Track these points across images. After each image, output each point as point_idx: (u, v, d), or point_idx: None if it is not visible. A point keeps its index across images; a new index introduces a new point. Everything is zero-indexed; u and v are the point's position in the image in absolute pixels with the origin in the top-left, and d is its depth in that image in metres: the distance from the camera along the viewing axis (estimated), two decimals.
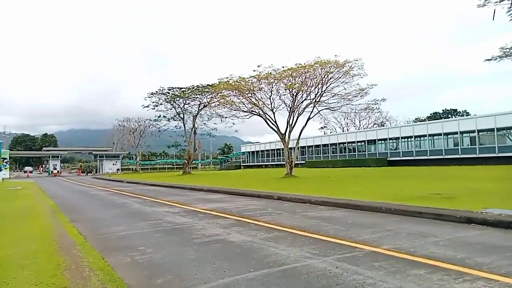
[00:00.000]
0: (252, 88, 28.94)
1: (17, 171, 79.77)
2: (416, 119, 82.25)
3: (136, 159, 75.98)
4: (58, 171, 68.27)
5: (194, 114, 48.27)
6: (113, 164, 73.00)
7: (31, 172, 70.86)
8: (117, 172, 69.30)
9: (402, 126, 51.62)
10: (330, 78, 26.96)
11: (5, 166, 28.67)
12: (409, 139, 46.20)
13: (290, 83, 27.37)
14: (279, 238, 6.55)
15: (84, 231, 7.89)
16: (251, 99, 29.59)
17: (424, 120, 71.96)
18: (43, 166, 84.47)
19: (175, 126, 51.87)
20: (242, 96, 29.84)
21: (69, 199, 17.38)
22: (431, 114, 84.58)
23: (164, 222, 8.98)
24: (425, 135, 44.09)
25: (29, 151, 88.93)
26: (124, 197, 17.22)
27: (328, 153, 58.12)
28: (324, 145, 59.44)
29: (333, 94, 28.11)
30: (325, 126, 77.95)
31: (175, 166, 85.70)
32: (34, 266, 5.11)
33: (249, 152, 79.63)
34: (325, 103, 28.90)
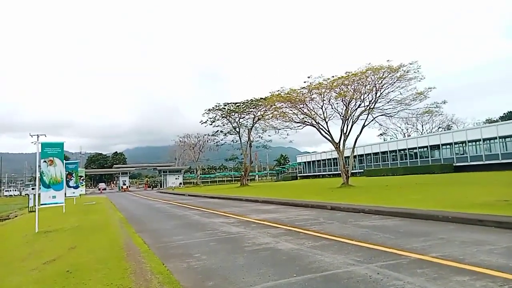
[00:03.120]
0: (303, 98, 29.13)
1: (91, 188, 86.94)
2: (486, 120, 75.98)
3: (196, 173, 79.33)
4: (127, 186, 73.53)
5: (249, 128, 49.48)
6: (176, 179, 76.90)
7: (104, 189, 76.98)
8: (180, 186, 72.81)
9: (469, 129, 48.02)
10: (384, 84, 26.26)
11: (82, 183, 31.73)
12: (477, 143, 42.86)
13: (342, 91, 27.13)
14: (325, 246, 6.72)
15: (148, 240, 8.70)
16: (303, 110, 29.76)
17: (496, 121, 66.20)
18: (114, 182, 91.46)
19: (232, 140, 53.54)
20: (294, 107, 30.12)
21: (136, 212, 18.85)
22: (505, 113, 77.55)
23: (219, 232, 9.54)
24: (495, 138, 40.67)
25: (101, 169, 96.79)
26: (185, 209, 18.27)
27: (387, 161, 55.85)
28: (383, 153, 57.22)
29: (389, 100, 27.29)
30: (384, 133, 75.06)
31: (233, 179, 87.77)
32: (106, 270, 5.85)
33: (305, 162, 79.10)
34: (380, 109, 28.13)
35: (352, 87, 27.15)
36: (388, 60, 26.04)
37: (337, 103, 28.54)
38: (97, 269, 5.99)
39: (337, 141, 29.04)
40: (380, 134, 76.78)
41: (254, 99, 46.76)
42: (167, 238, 9.06)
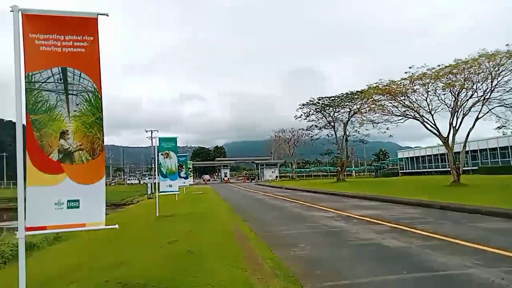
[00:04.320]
0: (404, 90, 27.26)
1: (197, 179, 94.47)
2: None
3: (291, 166, 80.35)
4: (228, 178, 78.32)
5: (345, 122, 48.17)
6: (272, 172, 79.04)
7: (208, 180, 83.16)
8: (276, 179, 74.64)
9: None
10: (502, 71, 23.03)
11: (190, 174, 34.87)
12: None
13: (449, 81, 24.63)
14: (437, 246, 6.37)
15: (254, 229, 9.31)
16: (404, 102, 27.88)
17: None
18: (216, 174, 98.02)
19: (327, 134, 52.77)
20: (394, 99, 28.39)
21: (239, 202, 20.08)
22: None
23: (320, 225, 9.70)
24: None
25: (205, 161, 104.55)
26: (284, 201, 18.83)
27: (509, 157, 48.84)
28: (503, 148, 50.17)
29: (509, 89, 23.86)
30: (503, 126, 65.66)
31: (328, 174, 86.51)
32: (220, 252, 6.51)
33: (407, 158, 73.84)
34: (497, 99, 24.76)
35: (462, 76, 24.44)
36: (507, 45, 22.70)
37: (444, 94, 26.03)
38: (213, 250, 6.69)
39: (445, 135, 26.52)
40: (498, 127, 67.36)
41: (349, 92, 45.35)
42: (272, 228, 9.57)
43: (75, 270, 6.41)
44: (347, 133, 49.00)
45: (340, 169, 49.75)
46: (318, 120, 51.33)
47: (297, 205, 16.40)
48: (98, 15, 3.48)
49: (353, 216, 11.20)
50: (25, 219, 3.38)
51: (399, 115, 29.21)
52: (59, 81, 3.42)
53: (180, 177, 25.51)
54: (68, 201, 3.45)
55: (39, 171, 3.36)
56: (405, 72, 26.80)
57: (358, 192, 22.02)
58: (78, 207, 3.48)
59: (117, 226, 3.89)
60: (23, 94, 3.31)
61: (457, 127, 25.89)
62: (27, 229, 3.42)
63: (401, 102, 28.03)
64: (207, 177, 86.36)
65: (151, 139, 16.18)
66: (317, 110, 50.15)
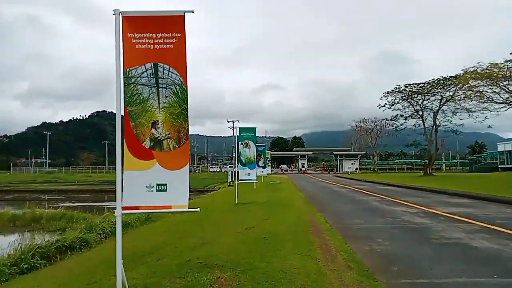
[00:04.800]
0: (508, 74, 24.15)
1: (274, 169, 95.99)
2: None
3: (373, 158, 76.85)
4: (305, 169, 78.07)
5: (435, 110, 44.34)
6: (352, 164, 76.60)
7: (286, 170, 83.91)
8: (356, 171, 72.23)
9: None
10: None
11: (268, 164, 35.60)
12: None
13: None
14: None
15: (329, 220, 9.25)
16: (507, 88, 24.74)
17: None
18: (294, 164, 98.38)
19: (414, 124, 49.17)
20: (495, 85, 25.36)
21: (316, 193, 20.00)
22: None
23: (401, 220, 9.24)
24: None
25: (283, 152, 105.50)
26: (363, 195, 18.24)
27: None
28: None
29: None
30: None
31: (414, 167, 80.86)
32: (295, 241, 6.63)
33: (509, 151, 65.49)
34: None
35: None
36: None
37: None
38: (288, 239, 6.84)
39: None
40: None
41: (441, 78, 41.52)
42: (348, 220, 9.40)
43: (162, 248, 7.11)
44: (437, 123, 45.08)
45: (427, 162, 46.24)
46: (404, 109, 48.04)
47: (377, 199, 15.77)
48: (185, 13, 3.79)
49: (439, 213, 10.43)
50: (122, 200, 3.88)
51: (501, 103, 26.07)
52: (151, 76, 3.82)
53: (258, 166, 26.20)
54: (157, 184, 3.86)
55: (133, 157, 3.82)
56: (510, 53, 23.73)
57: (447, 187, 20.31)
58: (165, 190, 3.87)
59: (198, 209, 4.23)
60: (121, 88, 3.78)
61: None
62: (123, 208, 3.91)
63: (504, 87, 25.00)
64: (284, 167, 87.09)
65: (232, 129, 16.88)
66: (404, 98, 46.96)
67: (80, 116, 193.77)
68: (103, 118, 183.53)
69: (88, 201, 27.79)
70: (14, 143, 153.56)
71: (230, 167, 56.89)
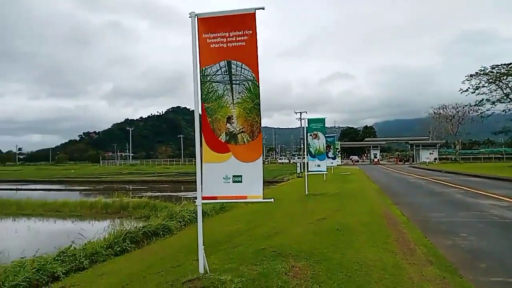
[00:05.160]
0: None
1: (345, 159, 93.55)
2: None
3: (454, 148, 70.82)
4: (378, 160, 74.73)
5: None
6: (430, 153, 71.44)
7: (357, 161, 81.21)
8: (434, 162, 67.30)
9: None
10: None
11: (338, 155, 34.82)
12: None
13: None
14: None
15: (405, 213, 8.83)
16: None
17: None
18: (365, 155, 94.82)
19: (503, 109, 44.22)
20: None
21: (389, 185, 19.13)
22: None
23: (488, 214, 8.48)
24: None
25: (352, 142, 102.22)
26: (443, 186, 17.00)
27: None
28: None
29: None
30: None
31: (504, 156, 72.90)
32: (369, 233, 6.47)
33: None
34: None
35: None
36: None
37: None
38: (361, 231, 6.71)
39: None
40: None
41: None
42: (426, 214, 8.88)
43: (236, 236, 7.43)
44: None
45: None
46: (491, 92, 43.47)
47: (460, 191, 14.59)
48: (256, 10, 3.91)
49: None
50: (201, 190, 4.17)
51: None
52: (225, 73, 4.02)
53: (328, 157, 25.79)
54: (233, 176, 4.07)
55: (211, 151, 4.07)
56: None
57: None
58: (241, 181, 4.07)
59: (272, 200, 4.36)
60: (199, 86, 4.04)
61: None
62: (203, 198, 4.20)
63: None
64: (355, 158, 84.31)
65: (300, 120, 16.85)
66: (490, 81, 42.50)
67: (157, 112, 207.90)
68: (178, 114, 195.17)
69: (167, 191, 29.83)
70: (102, 138, 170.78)
71: (298, 158, 56.82)
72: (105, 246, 8.41)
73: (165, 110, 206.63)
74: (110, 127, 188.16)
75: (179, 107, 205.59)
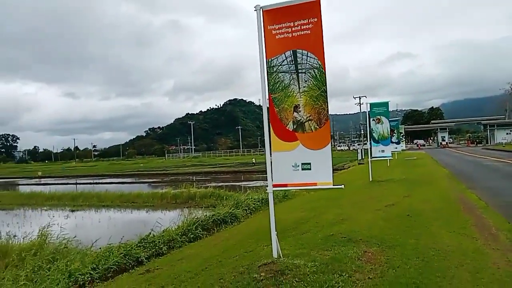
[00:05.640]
0: None
1: (409, 144, 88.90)
2: None
3: None
4: (446, 143, 69.93)
5: None
6: (507, 134, 65.19)
7: (423, 145, 76.81)
8: None
9: None
10: None
11: (402, 139, 33.21)
12: None
13: None
14: None
15: (483, 198, 8.26)
16: None
17: None
18: (432, 138, 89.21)
19: None
20: None
21: (461, 169, 17.90)
22: None
23: None
24: None
25: (417, 125, 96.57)
26: None
27: None
28: None
29: None
30: None
31: None
32: (443, 219, 6.20)
33: None
34: None
35: None
36: None
37: None
38: (434, 217, 6.44)
39: None
40: None
41: None
42: (508, 198, 8.23)
43: (303, 223, 7.53)
44: None
45: None
46: None
47: None
48: None
49: None
50: (272, 178, 4.31)
51: None
52: (291, 63, 4.09)
53: (392, 142, 24.75)
54: (302, 163, 4.15)
55: (279, 140, 4.19)
56: None
57: None
58: (310, 169, 4.14)
59: (343, 186, 4.39)
60: (265, 78, 4.16)
61: None
62: (274, 185, 4.35)
63: None
64: (420, 142, 79.71)
65: (359, 105, 16.41)
66: None
67: (216, 105, 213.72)
68: (235, 106, 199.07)
69: (229, 181, 30.81)
70: (165, 133, 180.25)
71: (359, 144, 55.13)
72: (180, 234, 9.01)
73: (223, 103, 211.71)
74: (172, 122, 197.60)
75: (236, 99, 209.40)
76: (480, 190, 9.78)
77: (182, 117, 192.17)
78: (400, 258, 4.19)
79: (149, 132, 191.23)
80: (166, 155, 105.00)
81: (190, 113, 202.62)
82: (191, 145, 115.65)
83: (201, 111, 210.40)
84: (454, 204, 7.52)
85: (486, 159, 24.78)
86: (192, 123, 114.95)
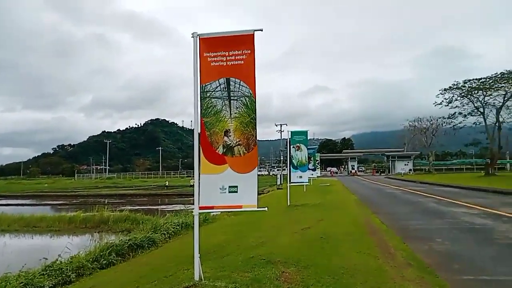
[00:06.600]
0: None
1: (323, 171, 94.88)
2: None
3: (428, 159, 73.28)
4: (355, 171, 76.29)
5: (498, 107, 41.52)
6: (405, 165, 73.58)
7: (336, 172, 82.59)
8: (409, 173, 69.33)
9: None
10: None
11: (318, 166, 35.45)
12: None
13: None
14: None
15: (385, 221, 9.28)
16: None
17: None
18: (343, 166, 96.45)
19: (474, 122, 46.29)
20: None
21: (368, 195, 19.73)
22: None
23: (461, 221, 9.03)
24: None
25: (331, 154, 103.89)
26: (418, 196, 17.72)
27: None
28: None
29: None
30: None
31: (474, 167, 75.85)
32: (352, 241, 6.82)
33: None
34: None
35: None
36: None
37: None
38: (344, 239, 7.05)
39: None
40: None
41: (506, 72, 38.92)
42: (404, 222, 9.36)
43: (224, 246, 7.62)
44: (501, 119, 42.19)
45: (489, 161, 43.41)
46: (463, 106, 45.40)
47: (434, 200, 15.29)
48: (255, 31, 4.25)
49: (504, 214, 10.01)
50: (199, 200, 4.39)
51: None
52: (224, 89, 4.32)
53: (309, 169, 26.27)
54: (229, 186, 4.33)
55: (209, 163, 4.32)
56: None
57: None
58: (236, 192, 4.33)
59: (266, 208, 4.64)
60: (199, 102, 4.31)
61: None
62: (200, 207, 4.42)
63: None
64: (334, 169, 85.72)
65: (280, 132, 17.27)
66: (462, 95, 44.47)
67: (136, 124, 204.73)
68: (156, 126, 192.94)
69: (146, 204, 29.47)
70: (77, 151, 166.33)
71: (278, 170, 57.28)
72: (91, 260, 8.42)
73: (144, 122, 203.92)
74: (86, 139, 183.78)
75: (158, 119, 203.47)
76: (382, 214, 10.92)
77: (98, 135, 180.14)
78: (314, 277, 4.53)
79: (57, 149, 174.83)
80: (76, 175, 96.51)
81: (107, 131, 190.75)
82: (105, 165, 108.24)
83: (119, 130, 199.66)
84: (361, 227, 8.30)
85: (387, 187, 27.65)
86: (108, 141, 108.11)
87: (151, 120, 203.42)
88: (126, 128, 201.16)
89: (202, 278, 4.54)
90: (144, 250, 10.05)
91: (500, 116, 41.79)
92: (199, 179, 4.35)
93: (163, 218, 13.90)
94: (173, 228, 12.52)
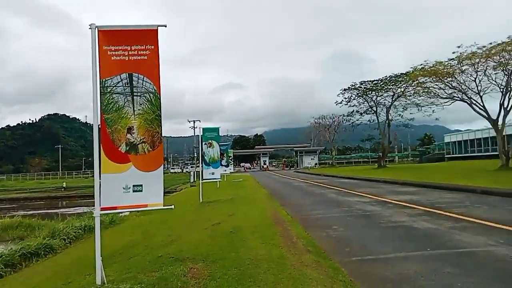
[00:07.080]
0: (451, 71, 26.39)
1: (237, 167, 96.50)
2: None
3: (331, 153, 79.74)
4: (267, 166, 79.45)
5: (388, 106, 47.02)
6: (311, 159, 78.99)
7: (249, 168, 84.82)
8: (315, 166, 74.57)
9: None
10: None
11: (231, 162, 35.99)
12: None
13: (502, 60, 23.52)
14: (467, 228, 6.63)
15: (291, 213, 9.91)
16: (451, 84, 27.03)
17: None
18: (256, 162, 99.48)
19: (369, 120, 51.76)
20: (440, 81, 27.59)
21: (277, 189, 20.75)
22: None
23: (354, 209, 10.11)
24: None
25: (244, 150, 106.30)
26: (321, 188, 19.23)
27: None
28: None
29: None
30: None
31: (370, 160, 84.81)
32: (260, 233, 7.16)
33: (454, 142, 70.39)
34: None
35: None
36: None
37: (495, 74, 24.90)
38: (252, 231, 7.36)
39: (494, 117, 25.45)
40: None
41: (393, 76, 44.19)
42: (308, 212, 10.13)
43: (132, 247, 7.37)
44: (390, 117, 47.84)
45: (381, 155, 48.91)
46: (360, 105, 50.42)
47: (335, 191, 16.76)
48: (158, 27, 4.16)
49: (389, 201, 11.45)
50: (100, 201, 4.19)
51: (446, 98, 28.54)
52: (126, 85, 4.15)
53: (222, 165, 26.50)
54: (133, 185, 4.21)
55: (110, 161, 4.14)
56: (453, 52, 26.08)
57: (398, 178, 21.87)
58: (141, 190, 4.23)
59: (172, 206, 4.62)
60: (98, 97, 4.08)
61: (508, 109, 24.77)
62: (102, 209, 4.22)
63: (448, 83, 27.29)
64: (247, 165, 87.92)
65: (193, 129, 17.15)
66: (359, 94, 49.26)
67: (30, 120, 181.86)
68: (55, 122, 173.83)
69: (43, 208, 26.74)
70: None
71: (191, 167, 56.64)
72: None
73: (40, 117, 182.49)
74: None
75: (56, 114, 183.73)
76: (289, 206, 11.64)
77: None
78: (221, 270, 4.67)
79: None
80: None
81: None
82: None
83: (9, 126, 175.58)
84: (269, 219, 8.75)
85: (295, 180, 29.40)
86: None
87: (49, 115, 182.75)
88: (18, 124, 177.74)
89: (105, 281, 4.35)
90: (40, 258, 9.16)
91: (389, 114, 47.35)
92: (100, 179, 4.14)
93: (63, 222, 12.81)
94: (74, 232, 11.65)
